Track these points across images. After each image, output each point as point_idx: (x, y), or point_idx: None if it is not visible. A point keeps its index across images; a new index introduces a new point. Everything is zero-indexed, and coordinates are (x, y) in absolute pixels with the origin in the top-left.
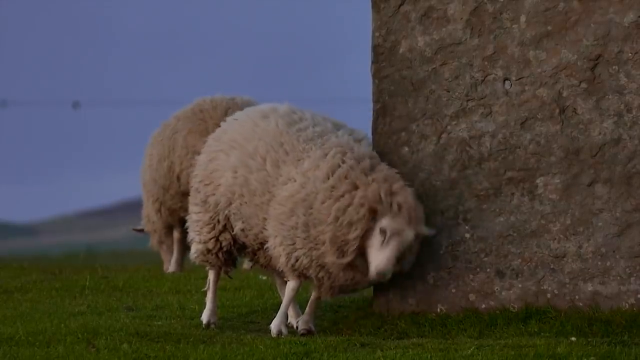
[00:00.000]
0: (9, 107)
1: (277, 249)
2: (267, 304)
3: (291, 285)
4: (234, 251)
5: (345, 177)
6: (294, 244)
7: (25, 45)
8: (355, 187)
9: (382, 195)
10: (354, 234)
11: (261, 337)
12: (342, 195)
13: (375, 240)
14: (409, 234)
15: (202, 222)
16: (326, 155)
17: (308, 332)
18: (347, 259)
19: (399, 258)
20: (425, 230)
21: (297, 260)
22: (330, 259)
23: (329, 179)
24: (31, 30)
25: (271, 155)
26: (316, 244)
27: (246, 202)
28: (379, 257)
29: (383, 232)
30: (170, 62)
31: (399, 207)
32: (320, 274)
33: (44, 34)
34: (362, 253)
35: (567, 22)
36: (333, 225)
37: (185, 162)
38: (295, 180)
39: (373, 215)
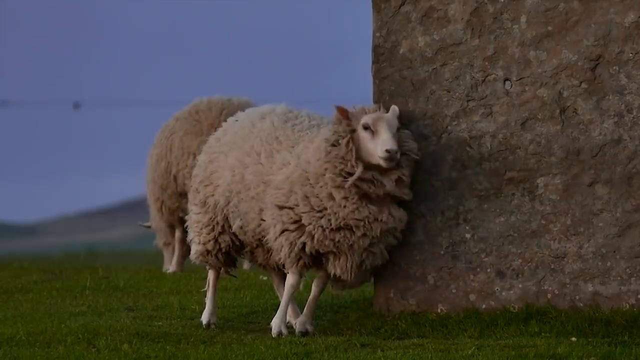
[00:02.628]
0: (10, 107)
1: (279, 240)
2: (268, 305)
3: (290, 281)
4: (233, 252)
5: (325, 139)
6: (298, 226)
7: (27, 44)
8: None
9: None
10: (344, 148)
11: (261, 337)
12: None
13: (365, 138)
14: (389, 114)
15: (202, 224)
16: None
17: (305, 334)
18: (358, 172)
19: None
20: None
21: (303, 246)
22: (338, 195)
23: (316, 144)
24: (32, 30)
25: (265, 148)
26: (321, 209)
27: (242, 198)
28: (378, 142)
29: (366, 126)
30: (173, 62)
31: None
32: (339, 238)
33: (45, 34)
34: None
35: (568, 23)
36: (326, 160)
37: (182, 162)
38: (290, 163)
39: (350, 126)
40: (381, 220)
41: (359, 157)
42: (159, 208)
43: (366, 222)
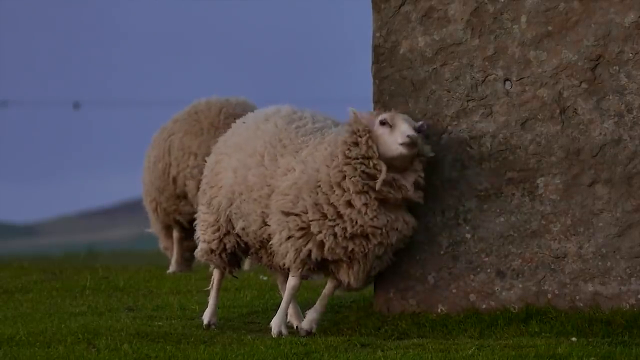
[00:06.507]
0: (11, 107)
1: (284, 245)
2: (268, 305)
3: (292, 283)
4: (238, 253)
5: (343, 141)
6: (304, 233)
7: (27, 44)
8: (354, 143)
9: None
10: (364, 146)
11: (262, 337)
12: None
13: (384, 133)
14: (404, 114)
15: (207, 223)
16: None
17: (309, 332)
18: (383, 171)
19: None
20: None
21: (309, 252)
22: (359, 202)
23: (327, 150)
24: (32, 29)
25: (269, 151)
26: (334, 217)
27: (245, 200)
28: (397, 133)
29: (383, 122)
30: (173, 62)
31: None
32: (352, 247)
33: (45, 34)
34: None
35: (568, 23)
36: (345, 162)
37: (182, 163)
38: (294, 169)
39: (369, 134)
40: (397, 229)
41: (379, 157)
42: (154, 209)
43: (383, 230)
